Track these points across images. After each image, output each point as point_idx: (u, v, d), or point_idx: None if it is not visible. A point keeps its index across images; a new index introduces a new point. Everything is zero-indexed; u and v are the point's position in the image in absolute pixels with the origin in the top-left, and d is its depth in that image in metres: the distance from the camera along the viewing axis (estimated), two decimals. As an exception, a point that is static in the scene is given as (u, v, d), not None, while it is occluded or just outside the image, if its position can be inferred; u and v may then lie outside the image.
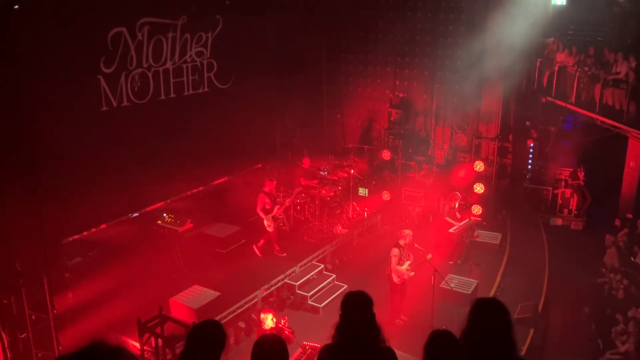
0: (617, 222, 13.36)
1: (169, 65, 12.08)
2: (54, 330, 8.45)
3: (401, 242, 9.90)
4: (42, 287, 8.25)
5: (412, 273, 10.02)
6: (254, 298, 10.50)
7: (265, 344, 3.50)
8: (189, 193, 13.15)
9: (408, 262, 9.92)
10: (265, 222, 11.73)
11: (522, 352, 8.84)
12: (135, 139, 11.50)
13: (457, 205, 12.80)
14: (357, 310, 3.75)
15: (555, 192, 15.33)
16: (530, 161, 16.55)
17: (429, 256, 10.06)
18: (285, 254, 12.02)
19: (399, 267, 9.81)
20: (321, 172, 14.67)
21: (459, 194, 12.93)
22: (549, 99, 15.64)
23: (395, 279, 9.93)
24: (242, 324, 10.06)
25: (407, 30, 16.22)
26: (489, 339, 3.42)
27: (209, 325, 3.54)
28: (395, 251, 9.84)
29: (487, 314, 3.50)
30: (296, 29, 15.41)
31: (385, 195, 14.72)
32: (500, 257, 13.02)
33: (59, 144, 9.92)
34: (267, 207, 11.70)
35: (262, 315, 8.18)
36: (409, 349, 8.33)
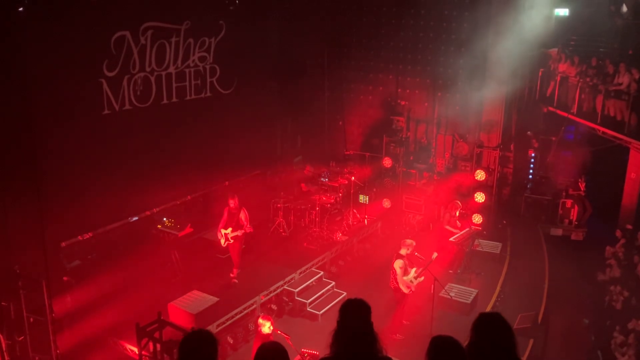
0: (618, 234, 13.32)
1: (171, 69, 12.10)
2: (52, 334, 8.42)
3: (403, 252, 9.82)
4: (40, 290, 8.22)
5: (422, 278, 9.95)
6: (252, 304, 10.47)
7: (267, 352, 3.48)
8: (189, 198, 13.15)
9: (414, 270, 9.86)
10: (218, 235, 11.06)
11: (522, 363, 8.77)
12: (137, 143, 11.51)
13: (457, 214, 12.78)
14: (355, 318, 3.72)
15: (556, 202, 15.32)
16: (531, 171, 16.54)
17: (435, 255, 9.97)
18: (236, 281, 11.19)
19: (405, 278, 9.75)
20: (322, 179, 14.69)
21: (459, 202, 12.92)
22: (551, 109, 15.67)
23: (405, 289, 9.84)
24: (231, 339, 9.99)
25: (409, 38, 16.27)
26: (493, 354, 3.41)
27: (200, 335, 3.52)
28: (399, 262, 9.71)
29: (491, 330, 3.48)
30: (299, 35, 15.47)
31: (386, 203, 14.71)
32: (500, 267, 12.99)
33: (60, 147, 9.95)
34: (225, 222, 11.02)
35: (260, 321, 8.14)
36: (407, 357, 8.31)
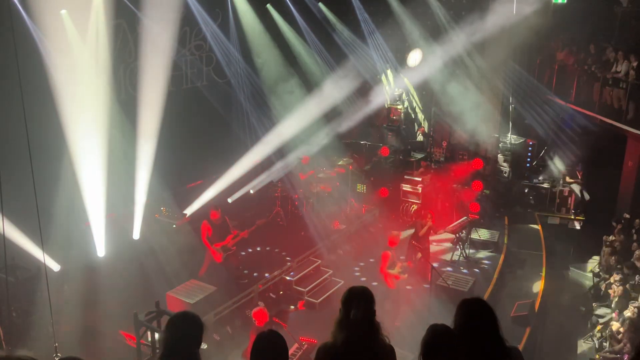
0: (615, 224, 13.32)
1: (168, 58, 12.00)
2: (51, 324, 8.42)
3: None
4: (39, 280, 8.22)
5: (405, 275, 9.90)
6: (250, 293, 10.49)
7: (265, 340, 3.49)
8: (187, 187, 13.14)
9: (399, 264, 9.79)
10: (214, 255, 10.61)
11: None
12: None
13: (426, 230, 11.55)
14: (357, 306, 3.72)
15: (554, 190, 15.33)
16: (528, 159, 16.53)
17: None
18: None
19: (391, 272, 9.67)
20: (320, 168, 14.66)
21: (429, 216, 11.66)
22: (549, 97, 15.63)
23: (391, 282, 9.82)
24: (237, 323, 10.04)
25: (407, 26, 16.18)
26: (477, 336, 3.45)
27: (185, 316, 3.67)
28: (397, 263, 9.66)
29: (472, 314, 3.53)
30: (296, 23, 15.39)
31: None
32: (497, 255, 13.02)
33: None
34: (209, 235, 10.52)
35: (257, 311, 8.15)
36: (405, 346, 8.34)
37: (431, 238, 12.15)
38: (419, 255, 10.11)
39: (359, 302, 3.74)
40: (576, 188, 14.88)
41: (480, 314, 3.52)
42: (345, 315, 3.72)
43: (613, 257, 12.11)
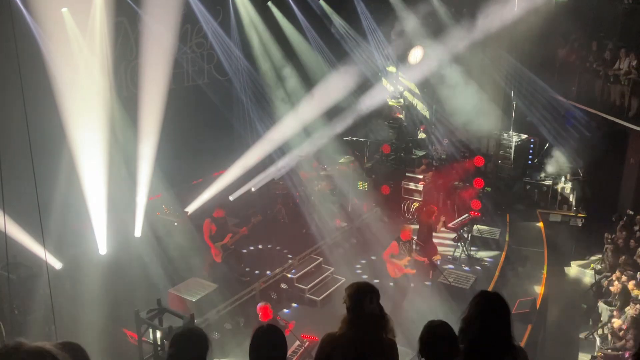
0: (614, 220, 13.29)
1: (169, 56, 11.99)
2: (54, 322, 8.43)
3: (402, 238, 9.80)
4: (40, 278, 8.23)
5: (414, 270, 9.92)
6: (251, 291, 10.49)
7: (263, 334, 3.48)
8: (188, 185, 13.14)
9: (407, 258, 9.84)
10: (213, 253, 10.68)
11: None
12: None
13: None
14: (371, 300, 3.72)
15: (555, 188, 15.30)
16: (530, 156, 16.50)
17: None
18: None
19: (397, 261, 9.73)
20: (321, 166, 14.65)
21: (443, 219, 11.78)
22: (551, 94, 15.58)
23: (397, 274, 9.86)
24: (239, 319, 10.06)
25: (408, 23, 16.14)
26: (487, 331, 3.42)
27: (190, 333, 3.64)
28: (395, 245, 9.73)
29: (488, 306, 3.49)
30: (297, 20, 15.37)
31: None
32: (499, 253, 13.01)
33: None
34: (213, 233, 10.58)
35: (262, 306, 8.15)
36: (406, 343, 8.34)
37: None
38: (437, 257, 10.18)
39: (372, 296, 3.74)
40: (578, 185, 14.85)
41: (496, 308, 3.49)
42: (354, 308, 3.70)
43: (615, 255, 12.09)
